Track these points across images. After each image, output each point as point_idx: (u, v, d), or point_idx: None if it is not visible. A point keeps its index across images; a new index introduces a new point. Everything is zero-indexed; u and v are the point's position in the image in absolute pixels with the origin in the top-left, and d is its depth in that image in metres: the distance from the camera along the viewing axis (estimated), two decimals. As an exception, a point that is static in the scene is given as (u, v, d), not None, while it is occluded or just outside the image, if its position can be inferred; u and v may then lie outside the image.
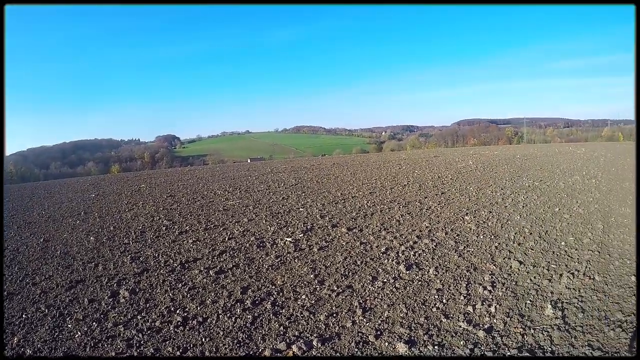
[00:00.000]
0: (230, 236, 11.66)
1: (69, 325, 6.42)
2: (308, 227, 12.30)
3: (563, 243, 9.63)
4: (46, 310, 7.04)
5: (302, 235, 11.37)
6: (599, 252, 8.86)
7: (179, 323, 6.28)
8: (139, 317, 6.60)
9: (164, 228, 13.13)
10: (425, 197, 16.32)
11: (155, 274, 8.67)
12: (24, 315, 6.90)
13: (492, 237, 10.41)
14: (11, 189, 30.51)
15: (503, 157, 36.12)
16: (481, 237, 10.43)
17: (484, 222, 12.03)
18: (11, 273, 9.36)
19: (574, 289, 6.98)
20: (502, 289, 7.10)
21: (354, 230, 11.64)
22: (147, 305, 7.08)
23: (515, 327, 5.77)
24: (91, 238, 12.32)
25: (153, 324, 6.32)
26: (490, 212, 13.30)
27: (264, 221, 13.37)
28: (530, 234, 10.56)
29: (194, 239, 11.59)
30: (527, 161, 31.62)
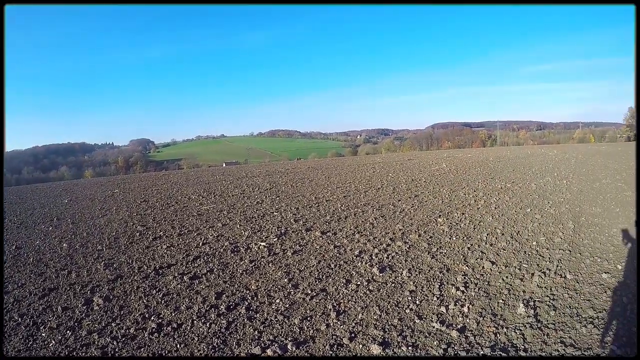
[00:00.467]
0: (205, 241, 11.61)
1: (43, 334, 6.35)
2: (282, 231, 12.29)
3: (534, 243, 9.79)
4: (19, 319, 6.95)
5: (276, 239, 11.37)
6: (570, 251, 9.04)
7: (154, 329, 6.24)
8: (113, 324, 6.54)
9: (137, 234, 13.01)
10: (399, 200, 16.43)
11: (129, 281, 8.60)
12: None
13: (465, 238, 10.53)
14: None
15: (476, 160, 36.61)
16: (454, 238, 10.54)
17: (456, 223, 12.16)
18: None
19: (545, 287, 7.10)
20: (474, 289, 7.18)
21: (328, 234, 11.66)
22: (122, 312, 7.02)
23: (488, 327, 5.84)
24: (64, 245, 12.16)
25: (127, 331, 6.27)
26: (463, 213, 13.44)
27: (238, 226, 13.33)
28: (502, 234, 10.72)
29: (167, 244, 11.52)
30: (500, 163, 32.11)
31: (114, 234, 13.31)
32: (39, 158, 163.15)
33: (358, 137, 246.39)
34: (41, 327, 6.60)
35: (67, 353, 5.73)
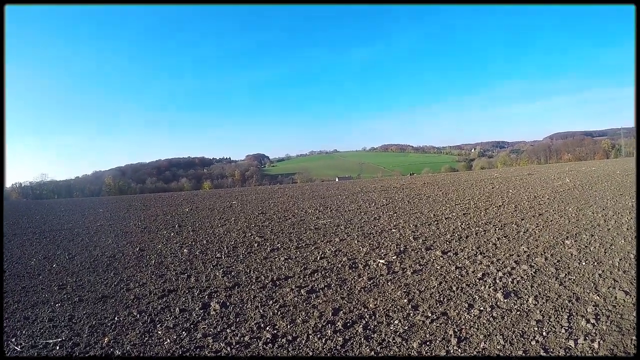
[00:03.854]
0: (322, 255, 11.66)
1: (159, 332, 6.60)
2: (401, 249, 12.07)
3: (676, 271, 8.94)
4: (138, 316, 7.28)
5: (395, 257, 11.18)
6: None
7: (268, 340, 6.27)
8: (228, 330, 6.67)
9: (255, 244, 13.33)
10: (522, 219, 15.67)
11: (247, 289, 8.76)
12: (116, 318, 7.19)
13: (595, 263, 9.76)
14: (109, 200, 32.06)
15: (602, 173, 34.60)
16: (583, 263, 9.82)
17: (585, 246, 11.33)
18: (107, 278, 9.87)
19: (690, 326, 6.45)
20: (606, 322, 6.63)
21: (449, 254, 11.31)
22: (237, 319, 7.15)
23: (621, 366, 5.36)
24: (184, 250, 12.74)
25: (242, 338, 6.36)
26: (592, 235, 12.53)
27: (355, 241, 13.29)
28: (637, 260, 9.83)
29: (285, 256, 11.68)
30: (629, 177, 29.87)
31: (232, 243, 13.74)
32: (161, 170, 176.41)
33: (472, 150, 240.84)
34: (158, 325, 6.88)
35: (180, 353, 5.92)
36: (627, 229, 12.96)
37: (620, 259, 9.96)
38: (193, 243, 14.04)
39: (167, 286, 9.12)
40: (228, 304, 7.93)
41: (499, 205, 19.68)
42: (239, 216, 20.21)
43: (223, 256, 12.02)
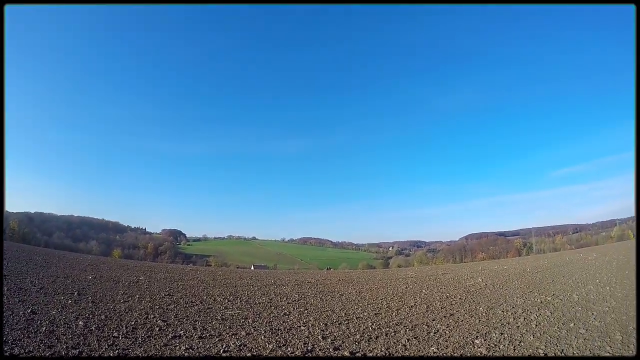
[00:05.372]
0: (226, 349, 11.20)
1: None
2: (308, 347, 11.78)
3: (581, 361, 9.11)
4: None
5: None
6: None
7: None
8: None
9: (157, 328, 12.70)
10: (433, 320, 15.76)
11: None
12: None
13: (504, 362, 9.87)
14: (10, 247, 30.44)
15: (513, 272, 35.64)
16: (493, 363, 9.91)
17: (495, 344, 11.56)
18: None
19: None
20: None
21: (357, 355, 11.16)
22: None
23: None
24: (80, 322, 12.08)
25: None
26: (502, 333, 12.81)
27: (262, 337, 12.85)
28: (545, 354, 10.17)
29: (187, 346, 11.13)
30: (538, 274, 31.17)
31: (132, 323, 13.07)
32: (72, 227, 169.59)
33: (390, 248, 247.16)
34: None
35: None
36: (536, 326, 13.38)
37: (529, 355, 10.26)
38: (90, 316, 13.25)
39: (55, 360, 8.46)
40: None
41: (411, 306, 19.70)
42: (144, 294, 19.36)
43: (120, 336, 11.34)
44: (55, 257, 31.08)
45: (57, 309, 13.18)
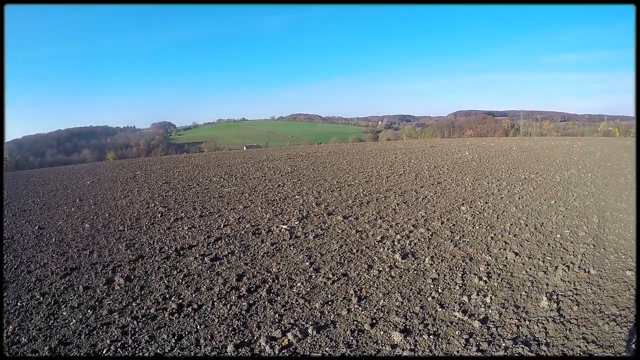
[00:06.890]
0: (226, 223, 11.65)
1: (64, 313, 6.36)
2: (304, 214, 12.30)
3: (559, 235, 9.63)
4: (41, 298, 6.98)
5: (297, 222, 11.37)
6: (594, 246, 8.86)
7: (174, 310, 6.24)
8: (133, 304, 6.56)
9: (159, 215, 13.09)
10: (422, 187, 16.35)
11: (150, 261, 8.63)
12: (18, 304, 6.82)
13: (488, 227, 10.41)
14: (6, 177, 30.18)
15: (499, 149, 36.17)
16: (477, 227, 10.43)
17: (479, 212, 12.04)
18: (6, 261, 9.27)
19: (569, 281, 6.97)
20: (497, 279, 7.09)
21: (350, 219, 11.64)
22: (142, 292, 7.04)
23: (510, 318, 5.76)
24: (86, 225, 12.23)
25: (148, 311, 6.29)
26: (487, 203, 13.31)
27: (259, 208, 13.36)
28: (526, 225, 10.56)
29: (189, 225, 11.57)
30: (524, 154, 31.68)
31: (135, 214, 13.41)
32: (62, 141, 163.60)
33: (379, 122, 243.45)
34: (62, 306, 6.62)
35: (87, 332, 5.74)
36: (519, 198, 13.86)
37: (511, 224, 10.63)
38: (95, 217, 13.46)
39: (69, 264, 8.75)
40: (132, 277, 7.79)
41: (400, 174, 20.36)
42: (142, 187, 19.66)
43: (126, 229, 11.65)
44: (52, 173, 30.71)
45: (63, 219, 13.38)
